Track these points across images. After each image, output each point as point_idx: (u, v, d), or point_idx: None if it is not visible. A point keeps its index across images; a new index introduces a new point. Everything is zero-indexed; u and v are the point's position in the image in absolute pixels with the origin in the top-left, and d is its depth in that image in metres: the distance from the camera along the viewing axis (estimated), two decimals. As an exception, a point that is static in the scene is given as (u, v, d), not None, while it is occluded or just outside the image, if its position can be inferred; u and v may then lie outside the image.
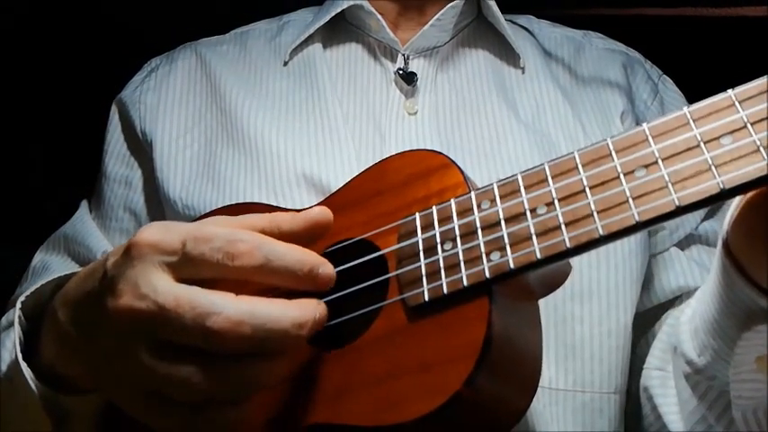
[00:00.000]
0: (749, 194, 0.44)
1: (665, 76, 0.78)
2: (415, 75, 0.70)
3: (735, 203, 0.46)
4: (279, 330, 0.41)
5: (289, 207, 0.61)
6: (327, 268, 0.45)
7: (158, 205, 0.72)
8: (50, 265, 0.73)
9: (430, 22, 0.71)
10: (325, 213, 0.47)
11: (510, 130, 0.68)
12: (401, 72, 0.70)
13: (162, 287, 0.41)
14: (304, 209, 0.57)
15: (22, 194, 1.10)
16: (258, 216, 0.47)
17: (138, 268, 0.42)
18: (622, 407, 0.64)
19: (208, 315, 0.40)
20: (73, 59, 1.08)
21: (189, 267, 0.42)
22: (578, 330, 0.61)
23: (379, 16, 0.72)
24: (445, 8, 0.72)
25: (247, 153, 0.68)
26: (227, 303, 0.41)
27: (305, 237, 0.46)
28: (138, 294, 0.41)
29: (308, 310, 0.43)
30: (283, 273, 0.44)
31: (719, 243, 0.47)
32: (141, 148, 0.74)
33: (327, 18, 0.74)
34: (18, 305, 0.54)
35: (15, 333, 0.53)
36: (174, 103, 0.74)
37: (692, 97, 0.74)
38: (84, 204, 0.78)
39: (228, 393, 0.42)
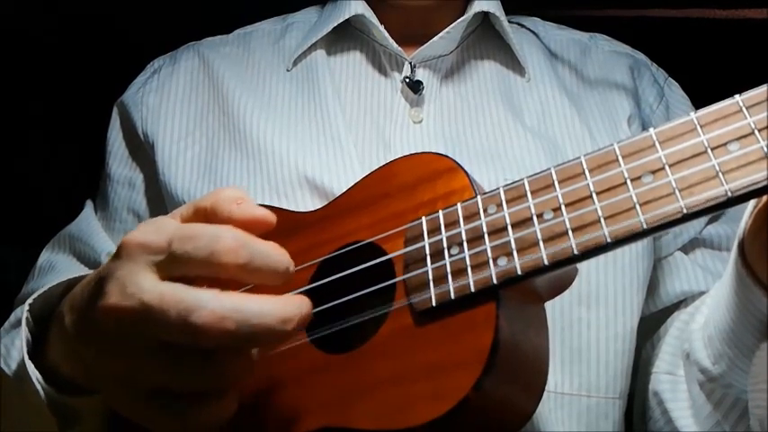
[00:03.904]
0: (763, 201, 0.44)
1: (670, 79, 0.78)
2: (422, 83, 0.69)
3: (749, 211, 0.46)
4: (263, 326, 0.41)
5: (292, 209, 0.61)
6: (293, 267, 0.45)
7: (162, 207, 0.71)
8: (56, 264, 0.73)
9: (440, 35, 0.70)
10: (270, 218, 0.46)
11: (516, 136, 0.68)
12: (408, 80, 0.69)
13: (147, 286, 0.41)
14: (308, 211, 0.58)
15: (22, 194, 1.09)
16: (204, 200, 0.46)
17: (127, 268, 0.42)
18: (624, 411, 0.64)
19: (193, 310, 0.40)
20: (72, 59, 1.07)
21: (175, 266, 0.42)
22: (585, 334, 0.61)
23: (382, 27, 0.71)
24: (455, 23, 0.71)
25: (250, 155, 0.68)
26: (212, 298, 0.41)
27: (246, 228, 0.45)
28: (124, 294, 0.41)
29: (293, 306, 0.42)
30: (265, 271, 0.43)
31: (735, 251, 0.47)
32: (143, 150, 0.74)
33: (330, 28, 0.73)
34: (26, 306, 0.54)
35: (23, 334, 0.53)
36: (176, 104, 0.74)
37: (697, 99, 0.75)
38: (89, 204, 0.78)
39: (217, 385, 0.42)
